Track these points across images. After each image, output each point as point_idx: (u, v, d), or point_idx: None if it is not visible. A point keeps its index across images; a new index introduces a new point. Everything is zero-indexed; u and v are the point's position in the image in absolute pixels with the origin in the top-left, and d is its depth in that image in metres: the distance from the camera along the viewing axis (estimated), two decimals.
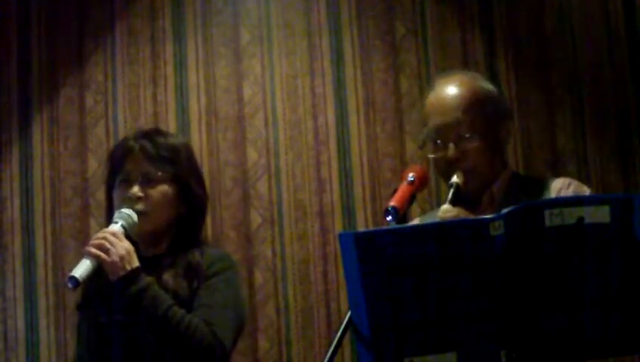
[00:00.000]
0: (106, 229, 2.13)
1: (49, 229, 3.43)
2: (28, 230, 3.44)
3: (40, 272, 3.41)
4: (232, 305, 2.17)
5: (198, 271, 2.17)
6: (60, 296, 3.38)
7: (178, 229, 2.25)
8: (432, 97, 2.14)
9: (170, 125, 3.39)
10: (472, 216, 1.91)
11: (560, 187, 2.07)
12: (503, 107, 2.19)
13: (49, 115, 3.51)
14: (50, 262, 3.41)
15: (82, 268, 2.05)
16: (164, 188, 2.20)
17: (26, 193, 3.47)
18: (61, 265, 3.40)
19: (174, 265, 2.18)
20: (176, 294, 2.11)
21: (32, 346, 3.37)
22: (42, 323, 3.38)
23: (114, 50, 3.52)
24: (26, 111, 3.51)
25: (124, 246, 2.08)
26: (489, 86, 2.16)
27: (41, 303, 3.39)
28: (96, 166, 3.45)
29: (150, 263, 2.17)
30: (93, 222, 3.41)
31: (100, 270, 2.09)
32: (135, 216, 2.16)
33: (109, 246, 2.07)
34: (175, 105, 3.46)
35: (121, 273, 2.06)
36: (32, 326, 3.38)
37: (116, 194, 2.24)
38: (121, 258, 2.06)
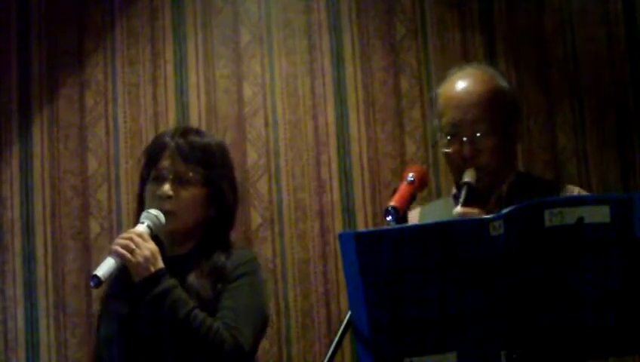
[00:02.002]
0: (132, 229, 2.13)
1: (49, 229, 3.43)
2: (28, 230, 3.44)
3: (40, 272, 3.41)
4: (255, 309, 2.16)
5: (223, 273, 2.16)
6: (60, 296, 3.38)
7: (206, 230, 2.24)
8: (449, 91, 2.12)
9: (170, 125, 3.39)
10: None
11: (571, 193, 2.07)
12: (518, 106, 2.19)
13: (49, 115, 3.51)
14: (50, 262, 3.41)
15: (105, 268, 2.04)
16: (194, 189, 2.20)
17: (26, 193, 3.47)
18: (61, 265, 3.40)
19: (199, 266, 2.17)
20: (199, 295, 2.11)
21: (32, 346, 3.37)
22: (42, 323, 3.38)
23: (114, 50, 3.52)
24: (26, 112, 3.51)
25: (149, 247, 2.08)
26: (506, 84, 2.15)
27: (41, 303, 3.39)
28: (96, 166, 3.46)
29: (175, 263, 2.17)
30: (93, 222, 3.41)
31: (124, 268, 2.09)
32: (162, 217, 2.16)
33: (134, 246, 2.06)
34: (175, 105, 3.46)
35: (145, 274, 2.06)
36: (32, 326, 3.38)
37: (148, 190, 2.23)
38: (146, 259, 2.06)
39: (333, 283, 3.28)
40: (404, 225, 1.85)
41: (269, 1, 3.47)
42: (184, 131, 2.28)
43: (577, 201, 1.56)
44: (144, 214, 2.16)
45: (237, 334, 2.07)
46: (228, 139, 3.37)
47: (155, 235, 2.16)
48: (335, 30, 3.42)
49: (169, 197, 2.17)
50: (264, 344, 3.27)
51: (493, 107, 2.06)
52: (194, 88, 3.45)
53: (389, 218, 1.86)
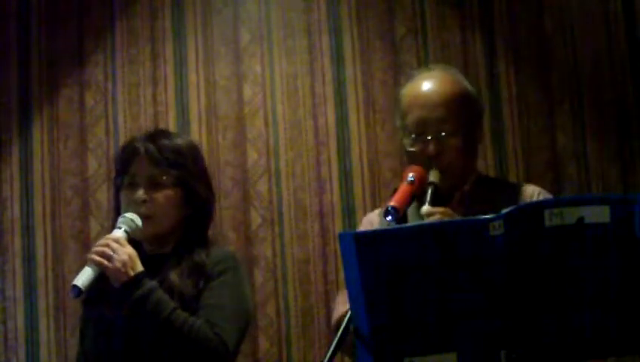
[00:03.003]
0: (109, 236, 2.14)
1: (49, 229, 3.43)
2: (28, 230, 3.44)
3: (40, 272, 3.41)
4: (237, 306, 2.17)
5: (204, 270, 2.17)
6: (60, 296, 3.38)
7: (184, 230, 2.25)
8: (413, 90, 2.13)
9: (170, 125, 3.40)
10: (457, 216, 1.91)
11: (530, 194, 2.10)
12: (480, 107, 2.21)
13: (49, 115, 3.51)
14: (50, 262, 3.41)
15: (84, 277, 2.05)
16: (168, 191, 2.21)
17: (26, 193, 3.47)
18: (61, 265, 3.40)
19: (180, 264, 2.18)
20: (181, 294, 2.11)
21: (32, 346, 3.37)
22: (42, 323, 3.38)
23: (114, 50, 3.52)
24: (26, 111, 3.51)
25: (126, 251, 2.09)
26: (469, 85, 2.18)
27: (41, 303, 3.39)
28: (96, 166, 3.46)
29: (156, 261, 2.18)
30: (93, 222, 3.41)
31: (102, 275, 2.09)
32: (139, 220, 2.17)
33: (110, 253, 2.07)
34: (175, 105, 3.46)
35: (125, 278, 2.06)
36: (32, 326, 3.38)
37: (123, 196, 2.25)
38: (124, 264, 2.06)
39: (333, 283, 3.28)
40: (404, 225, 1.85)
41: (269, 1, 3.47)
42: (153, 135, 2.30)
43: (577, 201, 1.56)
44: (120, 219, 2.17)
45: (220, 332, 2.07)
46: (228, 139, 3.38)
47: (133, 239, 2.16)
48: (335, 30, 3.42)
49: (144, 201, 2.18)
50: (264, 344, 3.27)
51: (458, 108, 2.08)
52: (194, 88, 3.45)
53: (388, 218, 1.86)
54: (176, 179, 2.22)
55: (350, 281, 1.55)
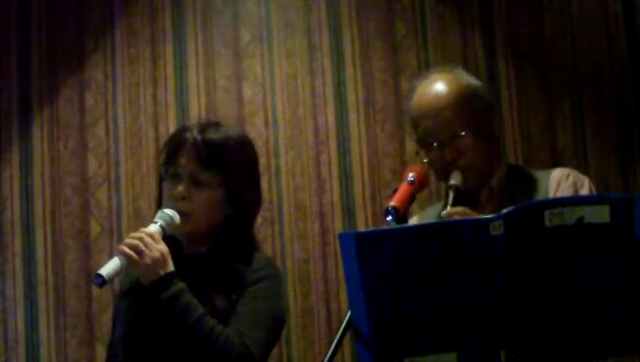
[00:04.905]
0: (143, 229, 2.04)
1: (49, 229, 3.43)
2: (28, 230, 3.44)
3: (40, 272, 3.41)
4: (269, 316, 2.08)
5: (239, 282, 2.08)
6: (60, 295, 3.38)
7: (225, 230, 2.15)
8: (417, 101, 2.11)
9: (170, 125, 3.39)
10: (476, 215, 1.90)
11: (559, 178, 2.07)
12: (489, 100, 2.17)
13: (49, 115, 3.51)
14: (50, 262, 3.41)
15: (111, 267, 1.95)
16: (210, 191, 2.11)
17: (26, 193, 3.47)
18: (61, 265, 3.40)
19: (214, 272, 2.09)
20: (211, 302, 2.03)
21: (32, 346, 3.37)
22: (42, 323, 3.38)
23: (114, 50, 3.52)
24: (26, 111, 3.51)
25: (159, 248, 1.99)
26: (472, 80, 2.14)
27: (41, 303, 3.39)
28: (96, 166, 3.46)
29: (192, 262, 2.10)
30: (93, 222, 3.41)
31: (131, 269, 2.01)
32: (177, 218, 2.07)
33: (143, 247, 1.97)
34: (175, 105, 3.46)
35: (154, 277, 1.97)
36: (32, 326, 3.38)
37: (164, 187, 2.15)
38: (155, 261, 1.97)
39: (333, 283, 3.28)
40: (404, 225, 1.85)
41: (269, 1, 3.47)
42: (204, 127, 2.17)
43: (577, 201, 1.56)
44: (159, 213, 2.08)
45: (248, 341, 1.99)
46: None
47: (170, 235, 2.08)
48: (335, 30, 3.42)
49: (183, 198, 2.09)
50: None
51: (463, 106, 2.05)
52: (194, 88, 3.45)
53: (389, 218, 1.86)
54: (221, 179, 2.11)
55: (350, 281, 1.55)
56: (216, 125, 2.21)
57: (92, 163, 3.46)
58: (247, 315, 2.04)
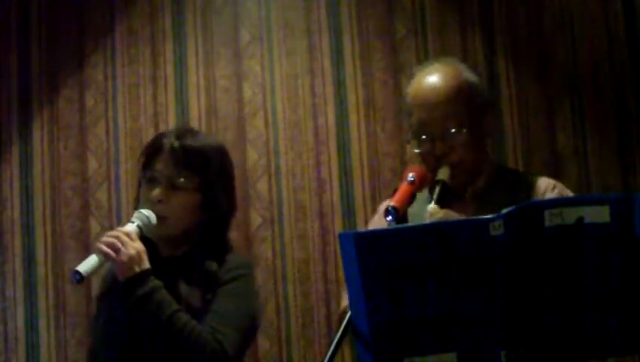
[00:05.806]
0: (121, 228, 2.10)
1: (49, 229, 3.43)
2: (28, 230, 3.44)
3: (40, 272, 3.41)
4: (243, 313, 2.12)
5: (213, 281, 2.13)
6: (60, 296, 3.38)
7: (201, 234, 2.21)
8: (414, 90, 2.09)
9: (170, 125, 3.40)
10: (458, 216, 1.90)
11: (545, 188, 2.06)
12: (487, 98, 2.15)
13: (49, 115, 3.51)
14: (50, 262, 3.41)
15: (88, 264, 2.01)
16: (186, 195, 2.16)
17: (26, 193, 3.47)
18: (61, 265, 3.40)
19: (189, 273, 2.14)
20: (188, 303, 2.08)
21: (32, 346, 3.38)
22: (42, 323, 3.38)
23: (114, 50, 3.52)
24: (26, 111, 3.51)
25: (135, 246, 2.04)
26: (472, 76, 2.11)
27: (41, 303, 3.39)
28: (96, 166, 3.46)
29: (168, 264, 2.15)
30: (93, 222, 3.41)
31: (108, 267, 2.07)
32: (154, 218, 2.12)
33: (119, 245, 2.03)
34: (175, 105, 3.46)
35: (130, 274, 2.03)
36: (32, 326, 3.39)
37: (142, 191, 2.20)
38: (131, 258, 2.02)
39: (333, 283, 3.28)
40: (404, 225, 1.84)
41: (269, 1, 3.47)
42: (181, 133, 2.23)
43: (577, 201, 1.56)
44: (136, 214, 2.14)
45: (222, 338, 2.03)
46: (228, 139, 3.37)
47: (146, 236, 2.13)
48: (335, 30, 3.42)
49: (160, 201, 2.14)
50: (264, 344, 3.27)
51: (460, 102, 2.03)
52: (194, 88, 3.45)
53: (389, 218, 1.86)
54: (197, 184, 2.16)
55: (350, 281, 1.55)
56: (193, 132, 2.29)
57: (92, 163, 3.46)
58: (220, 313, 2.08)
